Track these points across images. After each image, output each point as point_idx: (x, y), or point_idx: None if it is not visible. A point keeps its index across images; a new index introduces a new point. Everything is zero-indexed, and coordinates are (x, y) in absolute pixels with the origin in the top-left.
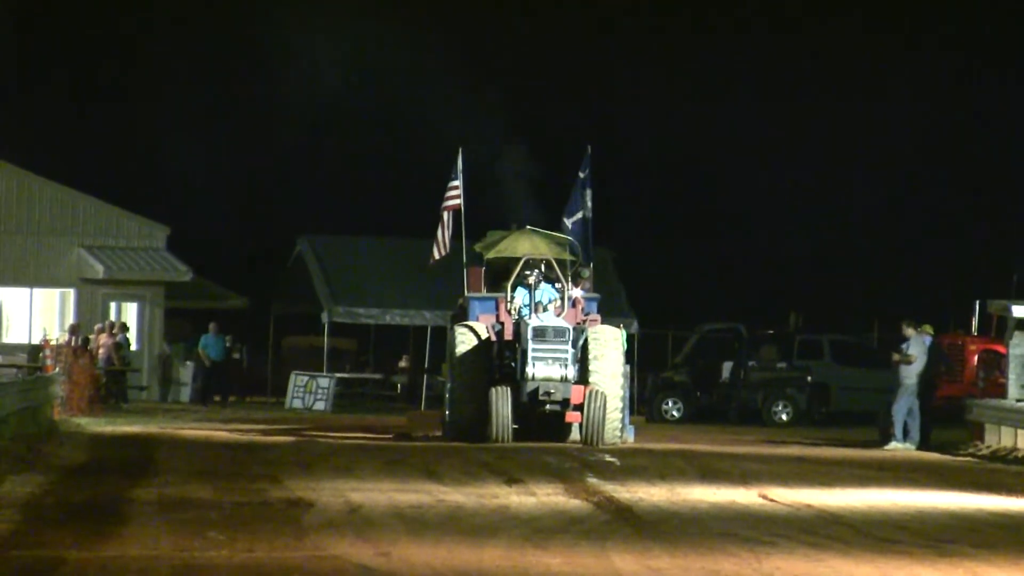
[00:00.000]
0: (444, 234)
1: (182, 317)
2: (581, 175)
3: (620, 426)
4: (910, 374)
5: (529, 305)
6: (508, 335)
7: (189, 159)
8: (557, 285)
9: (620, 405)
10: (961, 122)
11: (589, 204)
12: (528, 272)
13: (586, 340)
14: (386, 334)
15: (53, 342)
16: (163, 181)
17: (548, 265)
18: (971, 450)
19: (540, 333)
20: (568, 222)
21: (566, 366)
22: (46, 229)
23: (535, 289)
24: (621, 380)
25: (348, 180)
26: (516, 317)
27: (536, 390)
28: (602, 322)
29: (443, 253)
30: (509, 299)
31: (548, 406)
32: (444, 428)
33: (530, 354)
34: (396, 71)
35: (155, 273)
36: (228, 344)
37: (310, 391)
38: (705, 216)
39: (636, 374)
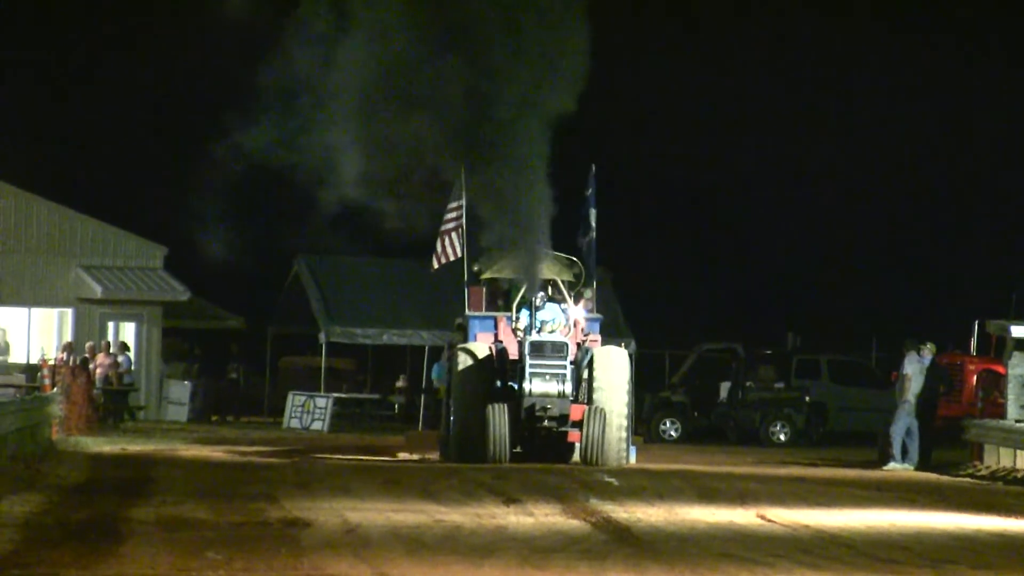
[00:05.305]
0: (450, 241)
1: (180, 337)
2: (587, 194)
3: (624, 447)
4: (908, 394)
5: (531, 324)
6: (508, 354)
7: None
8: (563, 306)
9: (624, 423)
10: (960, 141)
11: (593, 224)
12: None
13: (592, 361)
14: (384, 354)
15: (51, 361)
16: (161, 201)
17: (552, 285)
18: (970, 470)
19: (538, 348)
20: (582, 242)
21: (564, 382)
22: (44, 249)
23: (540, 310)
24: (626, 409)
25: (346, 199)
26: (521, 337)
27: (532, 406)
28: (601, 343)
29: (452, 259)
30: (515, 319)
31: (545, 421)
32: (442, 448)
33: (527, 369)
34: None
35: (153, 293)
36: None
37: (308, 411)
38: (703, 236)
39: (634, 394)
